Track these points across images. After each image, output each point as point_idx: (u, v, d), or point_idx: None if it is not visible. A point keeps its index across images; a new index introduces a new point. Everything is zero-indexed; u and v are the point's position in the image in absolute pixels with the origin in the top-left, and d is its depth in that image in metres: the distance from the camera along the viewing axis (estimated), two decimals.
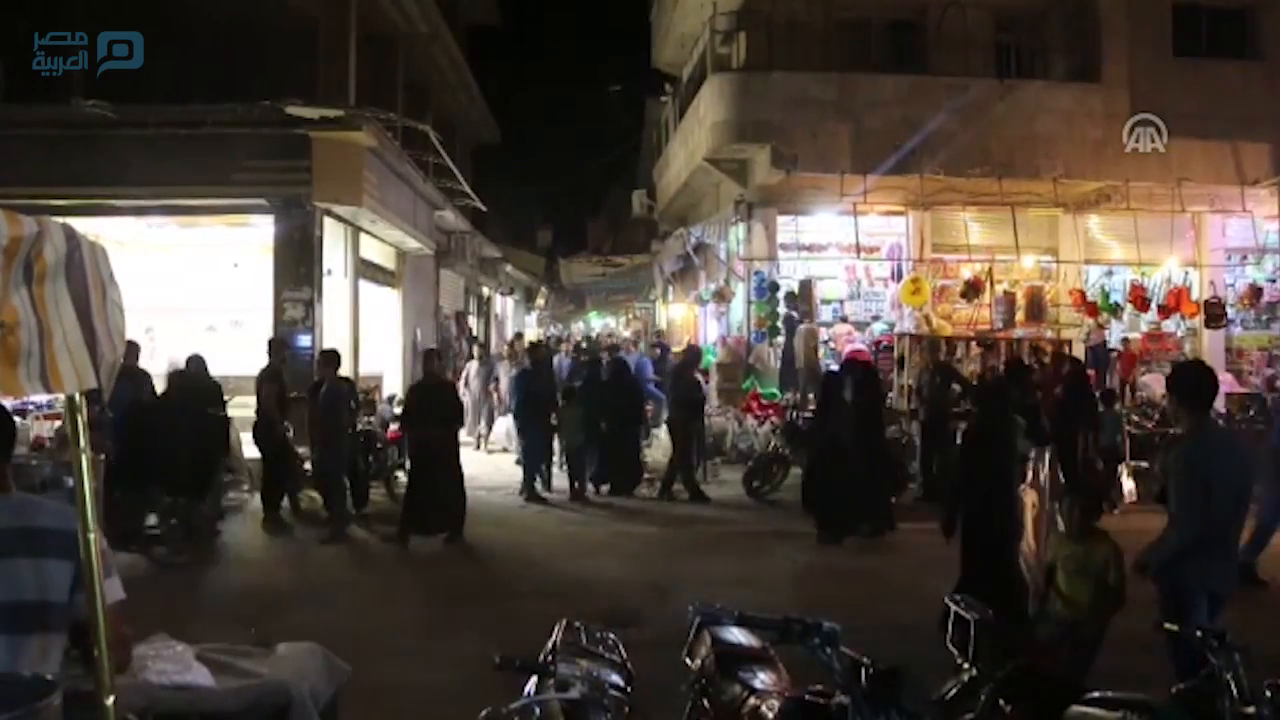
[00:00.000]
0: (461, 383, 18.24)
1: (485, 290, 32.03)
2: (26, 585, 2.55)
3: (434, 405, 10.84)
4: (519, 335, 29.74)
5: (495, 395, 17.66)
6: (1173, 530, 4.95)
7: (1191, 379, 5.19)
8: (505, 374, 17.26)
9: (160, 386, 11.62)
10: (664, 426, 15.99)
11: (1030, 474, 7.03)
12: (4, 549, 2.56)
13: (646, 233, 30.79)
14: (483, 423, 18.08)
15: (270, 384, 11.55)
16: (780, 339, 17.34)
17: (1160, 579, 4.98)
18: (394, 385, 18.63)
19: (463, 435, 16.58)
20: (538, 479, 13.40)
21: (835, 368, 13.31)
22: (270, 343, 12.49)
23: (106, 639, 2.39)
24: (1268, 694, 3.23)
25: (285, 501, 11.75)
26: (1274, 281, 18.41)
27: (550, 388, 14.05)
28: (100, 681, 2.34)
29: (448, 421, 10.97)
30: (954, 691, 4.08)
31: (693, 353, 15.52)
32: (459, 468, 10.98)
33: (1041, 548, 6.44)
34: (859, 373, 11.47)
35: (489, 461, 16.39)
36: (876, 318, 18.18)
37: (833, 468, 10.83)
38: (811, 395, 16.06)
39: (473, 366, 18.46)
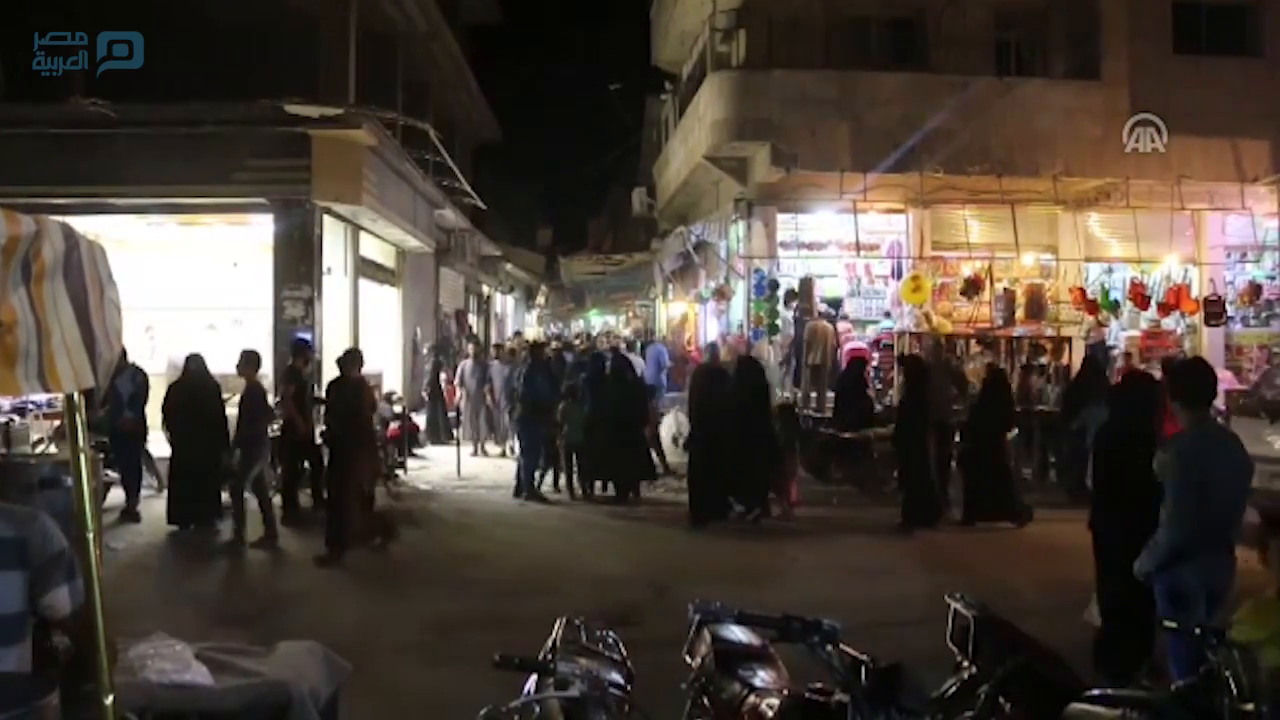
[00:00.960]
0: (456, 381, 17.89)
1: (485, 288, 32.04)
2: None
3: (348, 407, 10.44)
4: (517, 334, 29.69)
5: (490, 396, 17.07)
6: (1165, 530, 4.94)
7: (1189, 377, 5.20)
8: (499, 375, 16.85)
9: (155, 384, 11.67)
10: (665, 422, 15.99)
11: None
12: None
13: (646, 231, 30.78)
14: (477, 425, 17.45)
15: (287, 383, 11.59)
16: (779, 336, 17.30)
17: (1159, 578, 4.98)
18: (394, 383, 18.64)
19: (442, 451, 16.40)
20: (540, 477, 13.37)
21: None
22: (293, 344, 12.47)
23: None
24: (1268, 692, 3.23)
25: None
26: (1273, 279, 18.37)
27: (550, 387, 13.96)
28: (100, 681, 2.34)
29: (360, 423, 10.53)
30: (954, 689, 4.07)
31: (714, 350, 15.57)
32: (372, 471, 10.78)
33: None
34: (745, 362, 12.79)
35: (489, 462, 16.36)
36: (888, 314, 18.07)
37: (711, 454, 11.68)
38: (815, 394, 16.12)
39: (467, 365, 17.69)
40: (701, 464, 11.91)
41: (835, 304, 17.60)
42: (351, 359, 10.69)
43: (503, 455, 16.70)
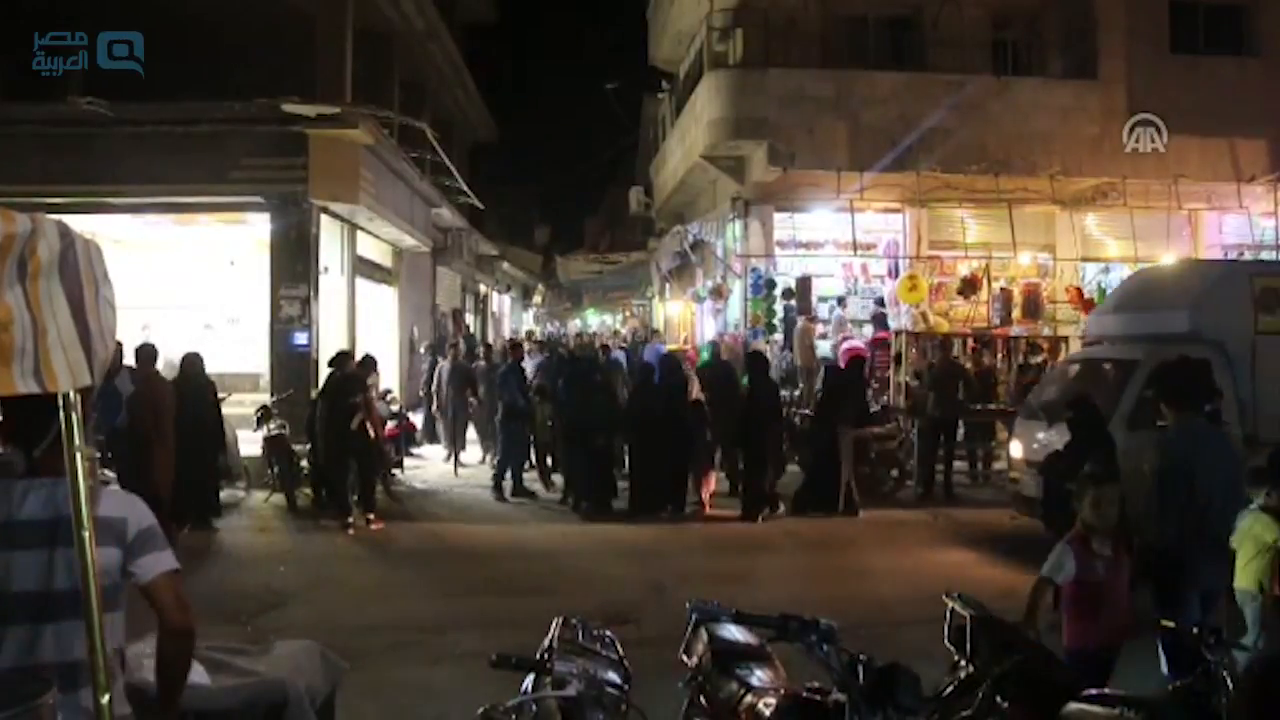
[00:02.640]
0: (432, 386, 16.70)
1: (482, 288, 32.02)
2: (60, 574, 2.64)
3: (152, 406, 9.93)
4: (529, 334, 29.47)
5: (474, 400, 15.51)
6: (1155, 532, 4.95)
7: (1175, 376, 5.19)
8: (482, 377, 15.65)
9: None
10: None
11: None
12: (41, 539, 2.64)
13: (644, 230, 30.78)
14: (453, 432, 15.60)
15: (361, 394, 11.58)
16: (778, 336, 17.34)
17: (1153, 577, 4.97)
18: (391, 383, 18.59)
19: (439, 450, 16.08)
20: (522, 476, 13.27)
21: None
22: (363, 359, 12.38)
23: (160, 605, 2.76)
24: None
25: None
26: None
27: (525, 386, 13.58)
28: (96, 681, 2.34)
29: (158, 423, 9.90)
30: (951, 688, 4.07)
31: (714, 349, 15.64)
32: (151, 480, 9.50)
33: None
34: (666, 361, 13.14)
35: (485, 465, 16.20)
36: (883, 310, 18.04)
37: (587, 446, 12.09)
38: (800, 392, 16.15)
39: (445, 367, 16.02)
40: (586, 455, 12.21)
41: (881, 301, 17.67)
42: (148, 354, 10.31)
43: (481, 462, 15.73)
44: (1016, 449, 10.96)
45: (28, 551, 2.63)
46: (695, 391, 12.36)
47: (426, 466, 15.45)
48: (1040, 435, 10.41)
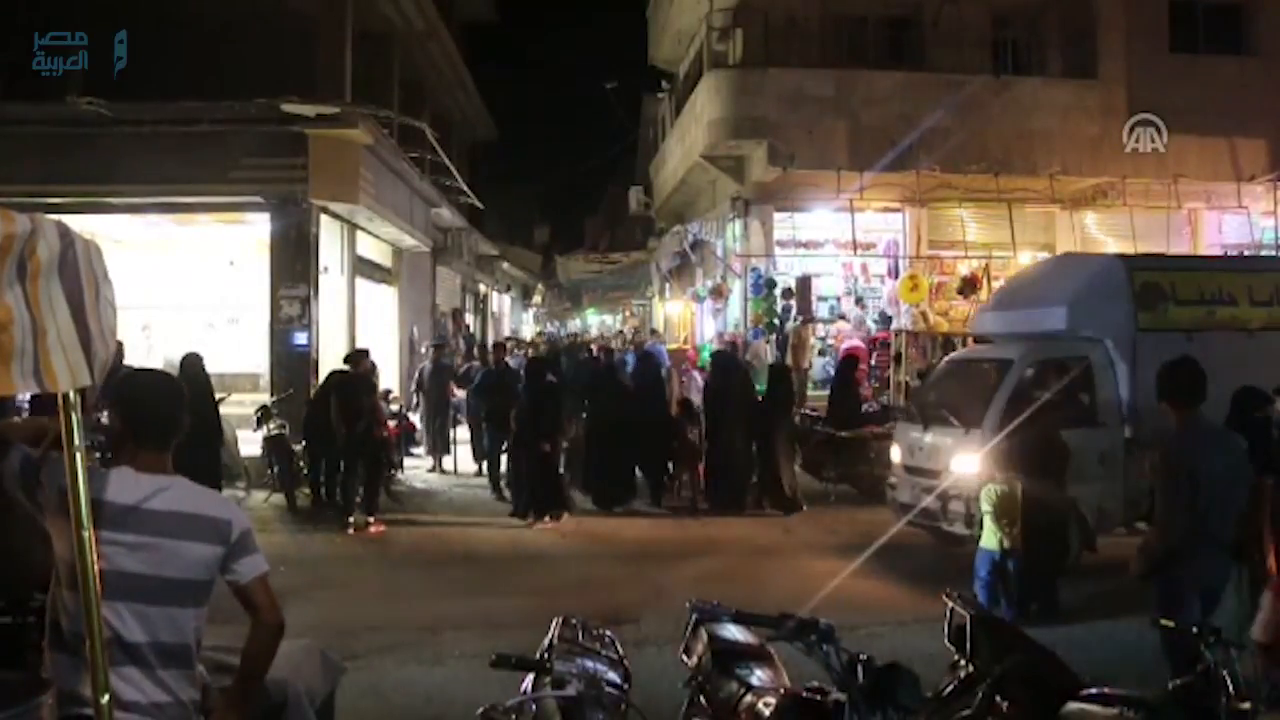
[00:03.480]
0: (413, 386, 16.48)
1: (482, 288, 32.02)
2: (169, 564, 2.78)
3: None
4: (539, 333, 29.37)
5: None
6: (1159, 531, 4.93)
7: (1177, 376, 5.16)
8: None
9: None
10: None
11: None
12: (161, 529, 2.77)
13: (643, 230, 30.80)
14: (435, 436, 15.43)
15: (369, 395, 11.70)
16: (773, 336, 17.34)
17: (1154, 578, 4.96)
18: (391, 383, 18.59)
19: (419, 452, 15.97)
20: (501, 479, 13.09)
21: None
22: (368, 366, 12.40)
23: (258, 605, 2.98)
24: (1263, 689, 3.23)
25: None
26: None
27: (511, 388, 12.97)
28: (96, 681, 2.34)
29: None
30: (951, 688, 4.07)
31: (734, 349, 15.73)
32: None
33: None
34: (643, 359, 13.48)
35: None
36: (884, 315, 18.08)
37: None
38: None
39: (427, 368, 15.71)
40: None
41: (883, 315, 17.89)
42: None
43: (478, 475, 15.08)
44: (895, 453, 10.50)
45: (140, 536, 2.75)
46: (677, 392, 12.40)
47: (426, 466, 15.45)
48: (914, 436, 10.10)
